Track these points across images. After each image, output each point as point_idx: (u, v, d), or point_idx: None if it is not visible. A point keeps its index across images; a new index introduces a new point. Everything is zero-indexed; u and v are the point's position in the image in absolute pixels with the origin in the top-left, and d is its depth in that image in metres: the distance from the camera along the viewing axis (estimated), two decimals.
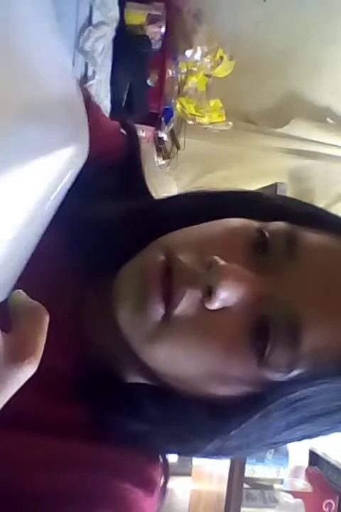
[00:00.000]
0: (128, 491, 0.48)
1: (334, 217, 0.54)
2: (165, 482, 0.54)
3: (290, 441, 0.55)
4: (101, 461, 0.49)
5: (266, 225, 0.49)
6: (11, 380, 0.33)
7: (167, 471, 0.54)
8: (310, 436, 0.53)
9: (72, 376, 0.50)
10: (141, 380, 0.52)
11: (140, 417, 0.50)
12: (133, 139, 0.59)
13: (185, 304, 0.45)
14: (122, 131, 0.60)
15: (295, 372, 0.46)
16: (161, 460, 0.54)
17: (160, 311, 0.45)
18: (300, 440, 0.53)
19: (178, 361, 0.47)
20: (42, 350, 0.34)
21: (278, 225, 0.49)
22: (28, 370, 0.33)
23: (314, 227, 0.50)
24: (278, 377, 0.46)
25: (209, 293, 0.44)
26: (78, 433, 0.49)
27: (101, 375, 0.52)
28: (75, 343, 0.52)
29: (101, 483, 0.48)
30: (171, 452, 0.56)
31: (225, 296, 0.44)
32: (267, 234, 0.48)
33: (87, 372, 0.51)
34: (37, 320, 0.35)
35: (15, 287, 0.38)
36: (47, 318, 0.36)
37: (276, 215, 0.50)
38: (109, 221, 0.53)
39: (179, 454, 0.57)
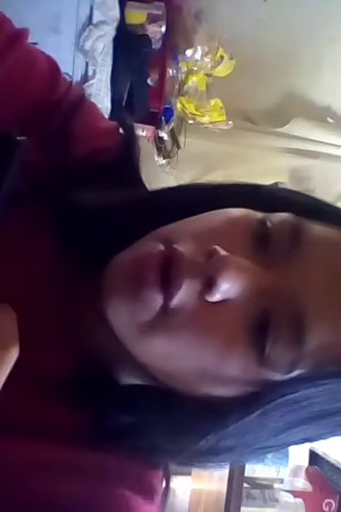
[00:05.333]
0: (128, 498, 0.47)
1: (336, 208, 0.52)
2: (166, 488, 0.53)
3: (288, 445, 0.52)
4: (99, 468, 0.48)
5: (268, 215, 0.47)
6: (1, 364, 0.37)
7: (168, 478, 0.53)
8: (308, 440, 0.51)
9: (67, 378, 0.49)
10: (134, 380, 0.51)
11: (133, 416, 0.49)
12: (130, 137, 0.58)
13: (183, 295, 0.43)
14: (121, 130, 0.60)
15: (296, 372, 0.44)
16: (162, 466, 0.53)
17: (158, 300, 0.43)
18: (298, 443, 0.51)
19: (173, 356, 0.44)
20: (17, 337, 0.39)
21: (282, 216, 0.47)
22: (14, 353, 0.37)
23: (317, 219, 0.48)
24: (278, 376, 0.44)
25: (209, 284, 0.42)
26: (75, 438, 0.48)
27: (95, 376, 0.50)
28: (69, 344, 0.51)
29: (99, 490, 0.47)
30: (165, 454, 0.53)
31: (226, 287, 0.42)
32: (270, 225, 0.46)
33: (81, 374, 0.50)
34: (10, 314, 0.39)
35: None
36: (14, 314, 0.40)
37: (279, 206, 0.48)
38: (103, 211, 0.51)
39: (172, 456, 0.53)
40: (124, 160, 0.56)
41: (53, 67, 0.58)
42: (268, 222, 0.46)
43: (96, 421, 0.49)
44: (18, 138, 0.36)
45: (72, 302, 0.52)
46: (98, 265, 0.48)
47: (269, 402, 0.45)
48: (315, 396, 0.45)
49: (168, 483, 0.53)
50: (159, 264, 0.43)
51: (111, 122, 0.61)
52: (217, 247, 0.43)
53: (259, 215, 0.47)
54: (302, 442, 0.51)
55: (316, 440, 0.51)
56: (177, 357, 0.44)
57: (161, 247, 0.44)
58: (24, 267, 0.51)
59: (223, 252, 0.43)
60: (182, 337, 0.43)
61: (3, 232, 0.51)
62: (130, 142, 0.57)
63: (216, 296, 0.43)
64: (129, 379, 0.52)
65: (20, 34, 0.57)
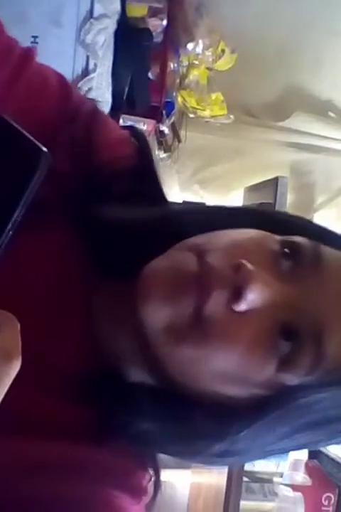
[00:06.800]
0: (116, 497, 0.49)
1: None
2: (156, 489, 0.54)
3: (289, 450, 0.56)
4: (88, 467, 0.49)
5: (287, 238, 0.51)
6: (3, 376, 0.36)
7: (158, 478, 0.54)
8: (307, 446, 0.55)
9: (76, 376, 0.50)
10: (146, 379, 0.52)
11: (145, 418, 0.50)
12: (144, 146, 0.60)
13: (213, 303, 0.46)
14: (132, 139, 0.61)
15: (309, 378, 0.47)
16: (153, 467, 0.54)
17: (193, 307, 0.46)
18: (298, 449, 0.55)
19: (200, 361, 0.47)
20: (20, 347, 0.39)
21: (301, 239, 0.51)
22: (16, 365, 0.37)
23: (327, 243, 0.52)
24: (292, 380, 0.47)
25: (236, 295, 0.46)
26: (71, 435, 0.49)
27: (105, 374, 0.52)
28: (84, 343, 0.52)
29: (88, 488, 0.48)
30: (174, 455, 0.55)
31: (253, 298, 0.46)
32: (289, 246, 0.50)
33: (92, 371, 0.51)
34: (14, 324, 0.39)
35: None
36: (18, 323, 0.40)
37: (292, 231, 0.52)
38: (127, 224, 0.54)
39: (182, 457, 0.56)
40: (141, 167, 0.58)
41: (63, 82, 0.59)
42: (287, 245, 0.50)
43: (104, 420, 0.50)
44: (43, 149, 0.37)
45: (91, 304, 0.54)
46: (120, 271, 0.52)
47: (281, 406, 0.48)
48: (320, 402, 0.48)
49: (157, 485, 0.54)
50: (195, 276, 0.47)
51: (124, 131, 0.62)
52: (244, 261, 0.47)
53: (278, 237, 0.51)
54: (302, 448, 0.55)
55: (314, 447, 0.55)
56: (203, 361, 0.47)
57: (195, 259, 0.48)
58: (44, 266, 0.54)
59: (250, 266, 0.46)
60: (210, 344, 0.47)
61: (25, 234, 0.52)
62: (145, 149, 0.60)
63: (242, 306, 0.46)
64: (140, 377, 0.53)
65: (30, 54, 0.57)
